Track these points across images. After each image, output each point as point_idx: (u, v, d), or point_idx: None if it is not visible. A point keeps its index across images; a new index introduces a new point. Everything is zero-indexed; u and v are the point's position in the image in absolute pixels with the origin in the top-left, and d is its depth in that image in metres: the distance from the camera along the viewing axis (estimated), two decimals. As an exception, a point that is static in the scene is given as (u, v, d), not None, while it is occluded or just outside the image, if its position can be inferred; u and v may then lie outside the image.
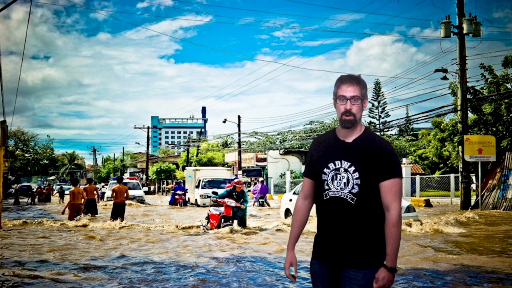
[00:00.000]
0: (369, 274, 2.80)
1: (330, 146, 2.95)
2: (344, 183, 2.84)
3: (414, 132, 56.58)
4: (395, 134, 57.83)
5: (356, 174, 2.82)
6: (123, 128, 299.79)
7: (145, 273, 7.66)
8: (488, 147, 20.17)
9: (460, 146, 21.15)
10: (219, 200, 13.48)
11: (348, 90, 2.88)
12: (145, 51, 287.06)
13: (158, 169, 62.45)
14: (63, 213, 17.99)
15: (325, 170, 2.90)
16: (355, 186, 2.82)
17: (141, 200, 31.95)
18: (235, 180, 13.82)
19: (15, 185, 53.51)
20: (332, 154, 2.91)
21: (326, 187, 2.89)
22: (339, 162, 2.87)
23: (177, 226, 14.61)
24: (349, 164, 2.84)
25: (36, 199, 37.48)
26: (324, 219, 2.94)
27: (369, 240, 2.82)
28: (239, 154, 46.59)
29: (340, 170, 2.86)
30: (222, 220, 13.11)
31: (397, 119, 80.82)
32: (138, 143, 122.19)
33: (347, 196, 2.83)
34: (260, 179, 34.78)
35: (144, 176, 64.81)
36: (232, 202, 13.11)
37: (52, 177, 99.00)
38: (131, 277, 7.32)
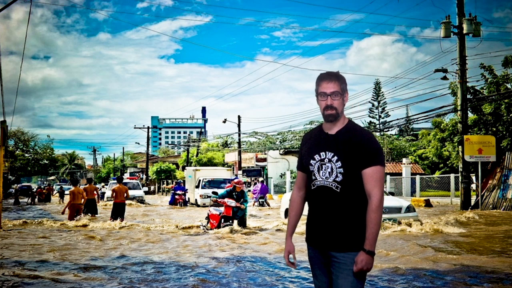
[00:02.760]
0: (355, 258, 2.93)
1: (316, 139, 3.13)
2: (329, 172, 3.00)
3: (414, 132, 56.53)
4: (395, 134, 57.76)
5: (339, 163, 2.98)
6: (123, 128, 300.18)
7: (145, 273, 7.66)
8: (488, 147, 20.17)
9: (460, 146, 21.15)
10: (219, 200, 13.47)
11: (328, 87, 3.04)
12: (145, 51, 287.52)
13: (158, 169, 62.45)
14: (63, 213, 18.00)
15: (312, 161, 3.08)
16: (338, 174, 2.97)
17: (141, 200, 31.97)
18: (235, 180, 13.81)
19: (15, 185, 53.53)
20: (317, 146, 3.09)
21: (313, 177, 3.06)
22: (323, 153, 3.04)
23: (177, 226, 14.60)
24: (332, 154, 3.01)
25: (36, 199, 37.48)
26: (313, 207, 3.11)
27: (354, 226, 2.95)
28: (239, 154, 46.59)
29: (325, 160, 3.03)
30: (222, 220, 13.10)
31: (397, 119, 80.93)
32: (138, 143, 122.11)
33: (331, 185, 2.99)
34: (260, 179, 34.77)
35: (144, 176, 64.79)
36: (232, 202, 13.11)
37: (52, 177, 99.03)
38: (131, 277, 7.32)
